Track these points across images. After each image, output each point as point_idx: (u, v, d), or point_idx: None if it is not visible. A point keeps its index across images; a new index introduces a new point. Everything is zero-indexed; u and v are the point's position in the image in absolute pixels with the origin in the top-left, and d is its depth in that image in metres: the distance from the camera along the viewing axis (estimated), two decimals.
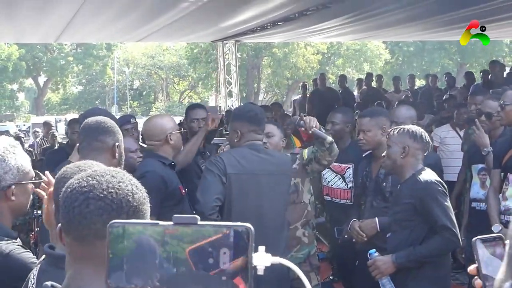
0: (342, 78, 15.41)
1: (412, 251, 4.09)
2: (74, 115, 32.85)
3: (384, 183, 4.88)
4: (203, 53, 37.51)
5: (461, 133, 7.81)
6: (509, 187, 4.77)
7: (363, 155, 5.37)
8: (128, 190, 1.78)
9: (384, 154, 4.37)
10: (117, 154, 3.66)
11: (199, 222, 1.18)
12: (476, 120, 6.35)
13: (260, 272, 1.30)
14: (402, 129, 4.28)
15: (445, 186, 4.12)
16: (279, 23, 11.76)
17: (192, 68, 42.44)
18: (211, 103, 43.53)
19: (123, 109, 52.98)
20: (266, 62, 38.57)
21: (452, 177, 7.12)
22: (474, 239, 1.54)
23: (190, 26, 12.21)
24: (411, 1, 9.79)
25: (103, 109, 5.51)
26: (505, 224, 4.74)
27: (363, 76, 16.63)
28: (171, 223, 1.18)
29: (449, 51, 36.73)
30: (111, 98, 52.63)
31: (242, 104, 14.04)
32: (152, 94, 53.76)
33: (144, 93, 52.79)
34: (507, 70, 13.38)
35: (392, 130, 4.34)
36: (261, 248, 1.36)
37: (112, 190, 1.76)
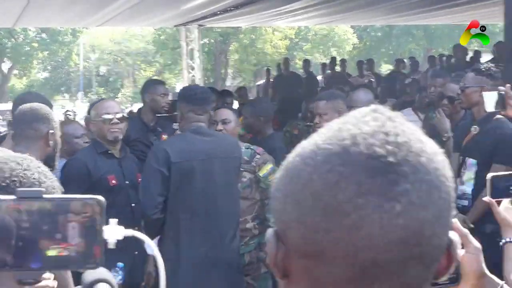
0: (306, 63, 15.32)
1: None
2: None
3: None
4: (170, 39, 37.19)
5: (422, 117, 7.72)
6: (466, 171, 4.68)
7: None
8: (34, 178, 1.63)
9: None
10: (51, 142, 3.54)
11: (45, 196, 1.13)
12: (437, 104, 6.28)
13: (112, 246, 1.27)
14: None
15: None
16: (242, 6, 11.57)
17: (159, 54, 42.10)
18: (178, 89, 43.16)
19: (89, 95, 52.47)
20: (234, 47, 38.34)
21: None
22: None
23: (152, 9, 12.00)
24: None
25: (37, 94, 5.34)
26: (461, 209, 4.66)
27: (328, 61, 16.52)
28: (13, 197, 1.11)
29: (416, 36, 36.79)
30: (77, 85, 52.05)
31: None
32: (119, 81, 53.22)
33: (110, 79, 52.24)
34: (470, 54, 13.37)
35: None
36: (113, 221, 1.30)
37: (16, 179, 1.60)
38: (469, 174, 4.64)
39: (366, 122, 0.92)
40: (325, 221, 0.87)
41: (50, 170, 1.81)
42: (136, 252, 4.57)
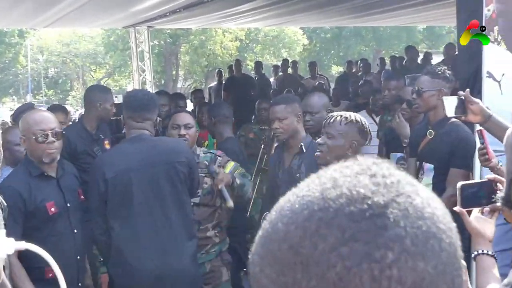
0: (258, 65, 15.27)
1: None
2: None
3: (298, 174, 4.63)
4: (120, 40, 36.82)
5: (377, 120, 7.72)
6: (424, 176, 4.62)
7: (276, 145, 5.16)
8: None
9: (320, 141, 3.90)
10: None
11: None
12: (392, 107, 6.25)
13: (1, 261, 1.24)
14: (350, 119, 3.80)
15: None
16: (190, 8, 11.43)
17: (109, 55, 41.66)
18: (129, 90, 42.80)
19: (37, 97, 51.63)
20: (184, 49, 38.13)
21: None
22: None
23: (101, 10, 11.78)
24: None
25: None
26: None
27: (280, 63, 16.50)
28: None
29: (365, 38, 37.11)
30: (25, 87, 51.18)
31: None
32: (68, 82, 52.50)
33: (60, 81, 51.50)
34: (421, 56, 13.48)
35: (338, 118, 3.85)
36: (1, 232, 1.23)
37: None
38: (426, 180, 4.58)
39: (349, 167, 0.83)
40: (306, 277, 0.75)
41: None
42: None
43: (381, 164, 0.83)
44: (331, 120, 3.87)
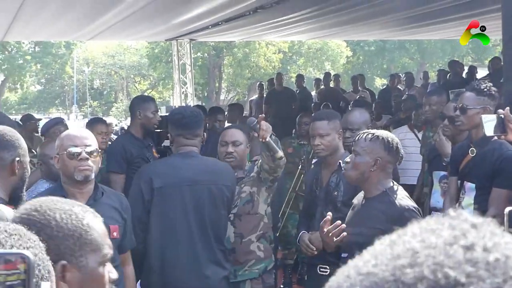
0: (300, 78, 15.19)
1: None
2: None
3: (336, 192, 4.49)
4: (164, 52, 37.13)
5: (419, 135, 7.57)
6: (465, 196, 4.46)
7: (313, 162, 5.03)
8: None
9: (347, 160, 3.81)
10: (17, 171, 3.14)
11: None
12: (433, 123, 6.10)
13: None
14: (375, 136, 3.72)
15: (420, 211, 3.62)
16: (232, 20, 11.44)
17: (152, 68, 42.04)
18: (172, 102, 43.13)
19: (83, 108, 52.34)
20: (227, 61, 38.30)
21: (409, 180, 6.89)
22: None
23: (143, 23, 11.89)
24: None
25: (3, 115, 4.98)
26: None
27: (322, 76, 16.40)
28: None
29: (409, 50, 36.84)
30: (70, 98, 51.94)
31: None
32: (112, 94, 53.14)
33: (104, 92, 52.20)
34: (466, 69, 13.27)
35: (363, 136, 3.76)
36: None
37: None
38: (468, 200, 4.43)
39: (435, 231, 0.62)
40: None
41: (18, 202, 1.78)
42: None
43: (483, 227, 0.62)
44: (357, 138, 3.79)
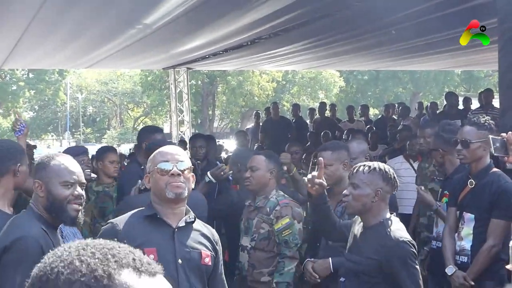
0: (295, 107, 15.30)
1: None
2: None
3: (341, 220, 4.62)
4: (157, 80, 37.27)
5: (415, 165, 7.69)
6: (464, 226, 4.58)
7: None
8: None
9: (346, 192, 3.88)
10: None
11: None
12: (428, 155, 6.24)
13: None
14: (373, 168, 3.82)
15: (415, 246, 3.68)
16: (231, 50, 11.58)
17: (146, 95, 42.15)
18: (166, 129, 43.23)
19: (75, 135, 52.32)
20: (221, 89, 38.48)
21: (405, 209, 7.01)
22: None
23: (141, 52, 11.99)
24: (363, 31, 9.73)
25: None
26: (460, 265, 4.56)
27: (317, 104, 16.54)
28: None
29: (402, 80, 37.09)
30: (63, 124, 51.94)
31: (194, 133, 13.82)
32: (105, 121, 53.20)
33: (97, 119, 52.24)
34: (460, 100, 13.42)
35: (360, 168, 3.86)
36: None
37: None
38: (467, 230, 4.54)
39: None
40: None
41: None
42: None
43: None
44: (355, 170, 3.88)
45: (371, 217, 3.79)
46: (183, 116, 15.85)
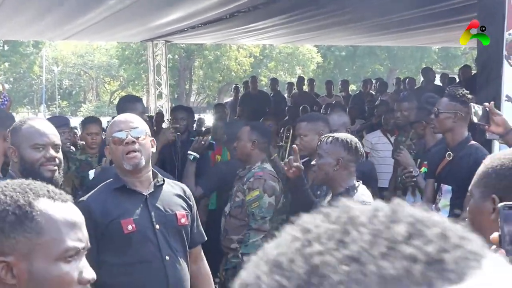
0: (274, 82, 15.33)
1: None
2: None
3: (319, 191, 4.69)
4: (134, 53, 37.04)
5: (392, 139, 7.76)
6: (442, 198, 4.66)
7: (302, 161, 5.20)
8: None
9: (313, 163, 4.09)
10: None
11: None
12: (405, 129, 6.30)
13: None
14: (335, 138, 3.98)
15: None
16: (210, 24, 11.55)
17: (123, 68, 41.88)
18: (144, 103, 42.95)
19: (51, 108, 51.92)
20: (198, 63, 38.33)
21: (382, 183, 7.07)
22: (499, 204, 1.57)
23: (119, 25, 11.90)
24: (341, 6, 9.74)
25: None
26: None
27: (295, 80, 16.57)
28: None
29: (379, 56, 37.18)
30: (39, 97, 51.47)
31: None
32: (81, 94, 52.81)
33: (73, 92, 51.80)
34: (437, 77, 13.51)
35: (324, 139, 4.04)
36: None
37: None
38: (444, 201, 4.62)
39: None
40: None
41: None
42: None
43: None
44: (319, 142, 4.08)
45: (337, 185, 3.95)
46: (161, 89, 15.80)
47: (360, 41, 18.66)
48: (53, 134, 3.33)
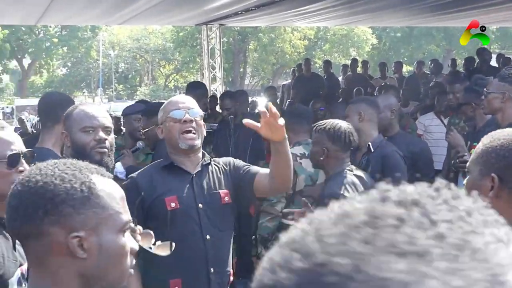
0: (327, 64, 15.26)
1: None
2: None
3: (369, 168, 4.75)
4: (189, 36, 37.30)
5: (445, 121, 7.69)
6: None
7: None
8: (56, 177, 1.63)
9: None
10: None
11: None
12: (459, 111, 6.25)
13: None
14: (322, 128, 4.19)
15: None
16: (263, 6, 11.56)
17: (178, 51, 42.21)
18: None
19: (108, 92, 52.71)
20: (253, 46, 38.41)
21: (436, 166, 7.02)
22: None
23: (174, 8, 12.01)
24: None
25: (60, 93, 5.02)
26: None
27: (349, 62, 16.49)
28: None
29: (435, 37, 36.67)
30: (96, 81, 52.33)
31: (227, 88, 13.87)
32: (137, 78, 53.48)
33: (129, 76, 52.52)
34: (493, 57, 13.28)
35: (315, 127, 4.27)
36: None
37: (39, 178, 1.63)
38: None
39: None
40: None
41: None
42: None
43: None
44: (313, 129, 4.33)
45: (326, 172, 4.25)
46: (215, 72, 15.90)
47: (416, 22, 18.43)
48: (104, 117, 3.37)
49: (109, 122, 3.38)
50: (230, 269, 3.61)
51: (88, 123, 3.30)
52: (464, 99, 5.75)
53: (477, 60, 12.02)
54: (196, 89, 7.11)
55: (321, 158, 4.12)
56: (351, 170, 4.19)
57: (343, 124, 4.24)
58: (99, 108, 3.51)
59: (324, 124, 4.22)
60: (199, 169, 3.53)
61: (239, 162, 3.65)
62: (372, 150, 4.78)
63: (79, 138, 3.29)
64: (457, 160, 5.39)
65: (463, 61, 13.69)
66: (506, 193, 2.15)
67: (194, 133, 3.44)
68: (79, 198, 1.60)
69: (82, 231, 1.59)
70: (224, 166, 3.63)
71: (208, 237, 3.44)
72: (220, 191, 3.53)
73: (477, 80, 5.69)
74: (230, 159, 3.70)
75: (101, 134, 3.28)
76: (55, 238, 1.58)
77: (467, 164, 2.31)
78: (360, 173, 4.29)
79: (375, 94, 10.45)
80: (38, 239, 1.59)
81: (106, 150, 3.29)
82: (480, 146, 2.26)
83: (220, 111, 8.30)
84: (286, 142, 3.24)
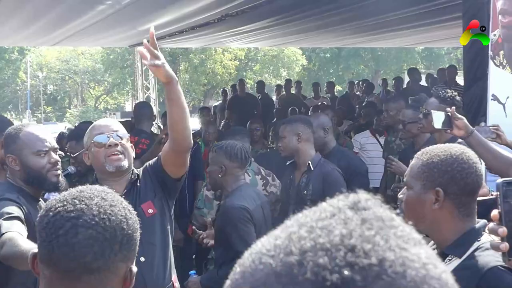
0: (261, 84, 15.41)
1: (215, 274, 4.18)
2: None
3: (305, 191, 4.84)
4: (119, 58, 37.05)
5: (381, 140, 7.86)
6: None
7: (287, 163, 5.31)
8: (121, 215, 1.51)
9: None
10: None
11: None
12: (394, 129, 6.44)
13: None
14: (218, 147, 4.40)
15: (250, 212, 4.16)
16: (198, 28, 11.62)
17: (108, 73, 41.85)
18: (128, 108, 43.05)
19: (36, 114, 51.74)
20: (183, 67, 38.34)
21: (372, 183, 7.16)
22: (498, 181, 1.66)
23: (107, 30, 11.94)
24: (327, 9, 9.84)
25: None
26: None
27: (280, 82, 16.70)
28: None
29: (363, 58, 37.35)
30: (24, 103, 51.30)
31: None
32: (66, 99, 52.69)
33: (58, 98, 51.68)
34: (423, 77, 13.65)
35: (211, 148, 4.52)
36: None
37: (104, 216, 1.48)
38: None
39: (327, 227, 0.65)
40: None
41: None
42: None
43: (374, 223, 0.67)
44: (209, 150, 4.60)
45: (224, 189, 4.38)
46: (150, 93, 15.87)
47: (344, 42, 18.78)
48: (51, 138, 3.39)
49: (55, 143, 3.41)
50: (171, 283, 3.57)
51: (41, 146, 3.28)
52: (410, 117, 5.89)
53: (407, 80, 12.36)
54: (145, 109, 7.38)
55: (219, 176, 4.28)
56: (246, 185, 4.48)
57: (235, 143, 4.45)
58: (44, 129, 3.48)
59: (221, 144, 4.44)
60: (128, 189, 3.46)
61: (154, 159, 3.60)
62: (312, 168, 4.89)
63: (33, 162, 3.26)
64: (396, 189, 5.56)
65: (394, 81, 14.02)
66: (449, 204, 2.29)
67: (120, 154, 3.38)
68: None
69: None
70: (146, 171, 3.56)
71: (142, 259, 3.34)
72: (142, 205, 3.44)
73: (414, 99, 5.89)
74: (148, 162, 3.65)
75: (55, 156, 3.30)
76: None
77: (405, 179, 2.44)
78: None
79: (309, 114, 10.62)
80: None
81: (60, 171, 3.32)
82: (418, 162, 2.38)
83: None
84: (175, 85, 3.23)
